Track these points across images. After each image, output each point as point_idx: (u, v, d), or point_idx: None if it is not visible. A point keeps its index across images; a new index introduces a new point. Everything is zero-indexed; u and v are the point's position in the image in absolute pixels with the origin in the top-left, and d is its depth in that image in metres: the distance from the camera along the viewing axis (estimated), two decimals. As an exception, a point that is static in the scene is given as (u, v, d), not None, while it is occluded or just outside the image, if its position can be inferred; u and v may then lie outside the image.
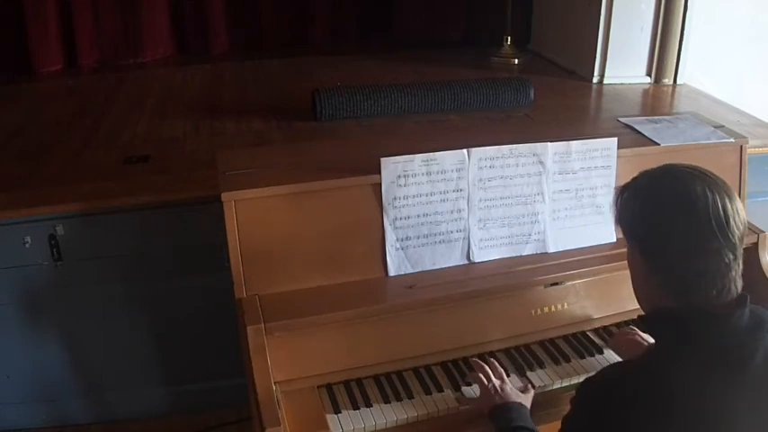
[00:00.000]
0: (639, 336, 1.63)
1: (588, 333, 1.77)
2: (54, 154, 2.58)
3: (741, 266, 1.15)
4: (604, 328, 1.78)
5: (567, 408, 1.25)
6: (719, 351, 1.12)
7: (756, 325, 1.14)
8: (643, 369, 1.17)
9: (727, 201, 1.13)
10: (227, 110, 3.09)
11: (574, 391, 1.24)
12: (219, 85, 3.58)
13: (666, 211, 1.17)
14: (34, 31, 3.78)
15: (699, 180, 1.16)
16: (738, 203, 1.15)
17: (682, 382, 1.11)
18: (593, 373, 1.29)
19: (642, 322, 1.30)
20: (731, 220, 1.12)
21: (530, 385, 1.58)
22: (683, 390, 1.10)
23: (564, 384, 1.62)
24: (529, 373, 1.63)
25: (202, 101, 3.28)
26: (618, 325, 1.78)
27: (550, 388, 1.61)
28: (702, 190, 1.14)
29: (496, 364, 1.58)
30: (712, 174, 1.18)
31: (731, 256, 1.13)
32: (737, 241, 1.13)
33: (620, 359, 1.63)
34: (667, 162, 1.25)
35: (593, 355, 1.69)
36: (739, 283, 1.15)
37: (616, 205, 1.26)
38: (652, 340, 1.57)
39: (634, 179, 1.25)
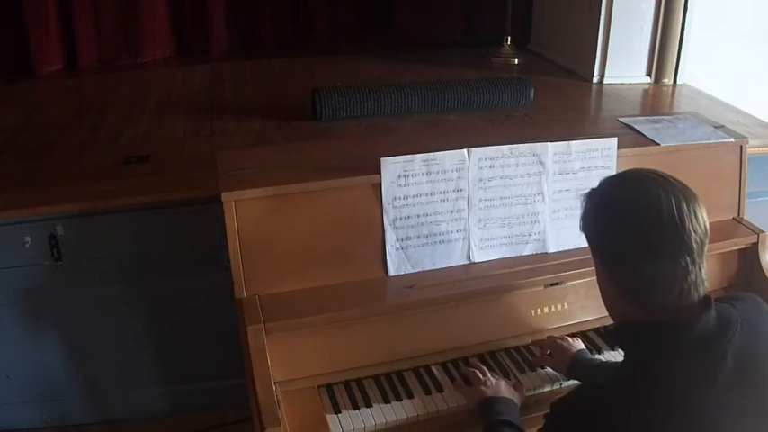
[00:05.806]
0: (566, 341, 1.64)
1: (588, 333, 1.77)
2: (54, 154, 2.58)
3: (702, 270, 1.13)
4: (605, 327, 1.78)
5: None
6: (688, 360, 1.10)
7: (724, 327, 1.13)
8: (617, 386, 1.15)
9: (683, 204, 1.11)
10: (227, 110, 3.08)
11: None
12: (219, 85, 3.57)
13: (618, 216, 1.16)
14: (34, 31, 3.77)
15: (653, 183, 1.14)
16: (698, 208, 1.12)
17: (659, 396, 1.08)
18: (564, 395, 1.25)
19: (610, 337, 1.28)
20: (686, 222, 1.10)
21: (523, 388, 1.57)
22: (663, 403, 1.08)
23: (564, 385, 1.62)
24: (529, 373, 1.63)
25: (202, 101, 3.27)
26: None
27: (550, 388, 1.62)
28: (656, 193, 1.12)
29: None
30: (672, 177, 1.17)
31: (687, 260, 1.10)
32: (694, 244, 1.10)
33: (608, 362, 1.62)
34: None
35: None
36: (701, 288, 1.13)
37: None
38: (578, 345, 1.59)
39: (596, 186, 1.24)
